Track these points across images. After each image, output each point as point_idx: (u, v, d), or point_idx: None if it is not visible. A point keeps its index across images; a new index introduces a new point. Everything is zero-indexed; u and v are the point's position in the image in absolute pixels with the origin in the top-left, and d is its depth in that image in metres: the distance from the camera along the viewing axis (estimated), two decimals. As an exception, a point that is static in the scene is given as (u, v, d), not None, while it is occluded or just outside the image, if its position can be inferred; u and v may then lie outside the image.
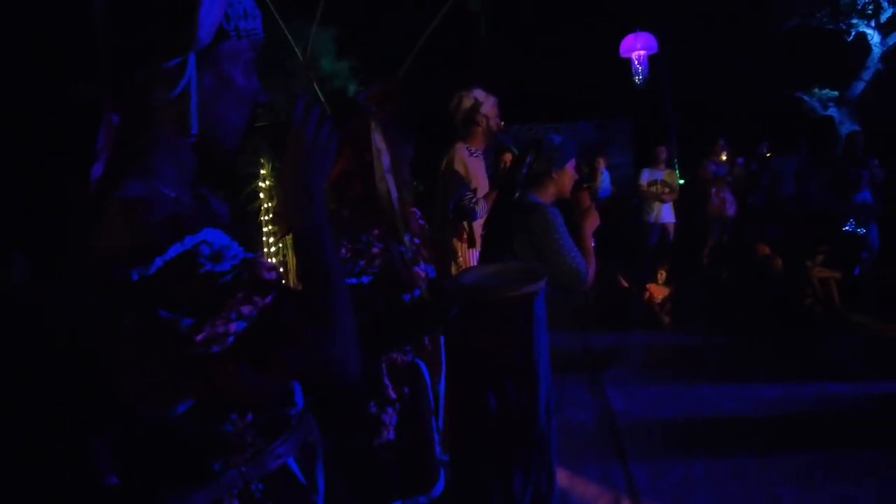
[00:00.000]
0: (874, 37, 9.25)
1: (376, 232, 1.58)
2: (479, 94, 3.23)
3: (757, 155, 8.48)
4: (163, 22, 0.83)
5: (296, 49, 7.17)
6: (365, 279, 1.56)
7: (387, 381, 1.65)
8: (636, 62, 9.19)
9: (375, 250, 1.57)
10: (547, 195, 2.36)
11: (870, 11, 9.06)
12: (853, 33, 9.34)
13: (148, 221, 0.78)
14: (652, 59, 9.40)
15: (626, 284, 5.81)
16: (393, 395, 1.65)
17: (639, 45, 9.00)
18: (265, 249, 5.91)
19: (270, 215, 5.90)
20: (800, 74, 9.93)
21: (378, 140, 1.56)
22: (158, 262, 0.75)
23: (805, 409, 3.66)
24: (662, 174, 7.04)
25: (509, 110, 12.53)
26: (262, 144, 6.11)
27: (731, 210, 7.37)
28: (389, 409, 1.64)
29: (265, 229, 6.01)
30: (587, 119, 12.15)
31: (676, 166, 11.56)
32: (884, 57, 9.29)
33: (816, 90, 9.99)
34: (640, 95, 9.83)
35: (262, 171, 6.18)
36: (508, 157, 4.56)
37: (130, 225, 0.78)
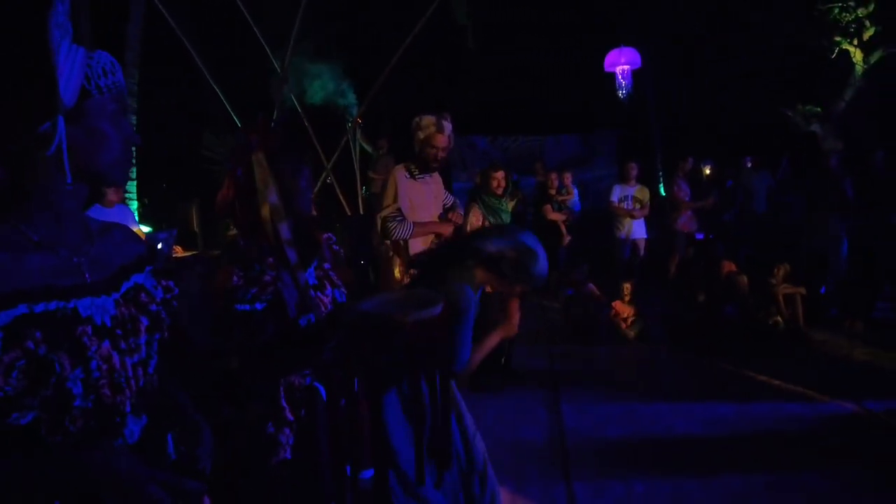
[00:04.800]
0: (856, 54, 9.33)
1: (270, 260, 1.62)
2: (425, 119, 3.27)
3: (737, 170, 8.53)
4: (27, 95, 0.96)
5: (274, 63, 7.29)
6: (258, 305, 1.60)
7: (284, 403, 1.68)
8: (620, 76, 9.28)
9: (267, 278, 1.60)
10: (475, 281, 2.17)
11: (852, 30, 9.15)
12: (836, 50, 9.43)
13: None
14: (636, 74, 9.50)
15: (597, 293, 5.83)
16: (290, 416, 1.68)
17: (623, 60, 9.09)
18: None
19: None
20: (784, 90, 10.02)
21: (260, 172, 1.59)
22: None
23: (755, 429, 3.69)
24: (633, 190, 7.08)
25: (495, 122, 12.69)
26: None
27: (692, 226, 7.41)
28: (286, 430, 1.68)
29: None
30: (572, 132, 12.22)
31: (661, 180, 11.65)
32: (865, 74, 9.37)
33: (800, 106, 10.08)
34: (624, 109, 9.92)
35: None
36: (501, 174, 4.55)
37: None
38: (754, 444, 3.51)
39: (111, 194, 5.16)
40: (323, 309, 1.72)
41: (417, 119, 3.34)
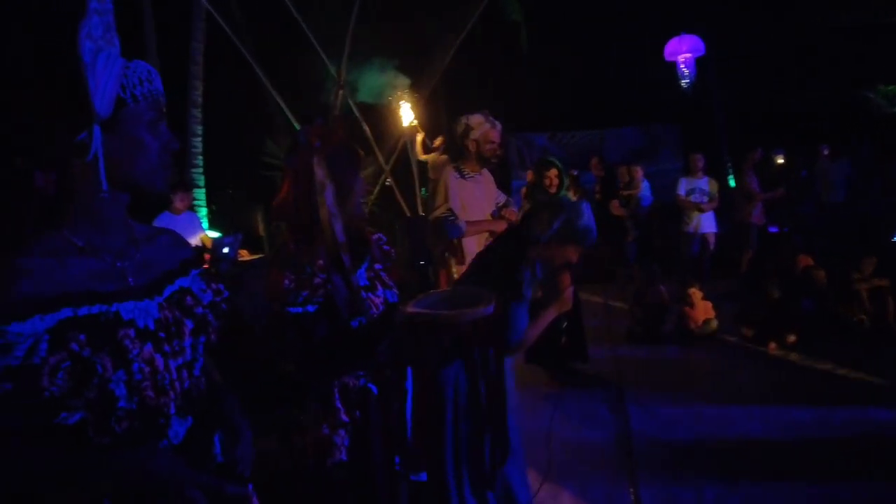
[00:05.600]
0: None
1: (320, 262, 1.62)
2: (474, 119, 3.29)
3: (812, 159, 8.05)
4: (62, 106, 0.98)
5: (330, 68, 7.44)
6: (310, 308, 1.61)
7: (338, 405, 1.69)
8: (682, 65, 8.94)
9: (318, 280, 1.61)
10: (532, 253, 2.20)
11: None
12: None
13: None
14: (700, 62, 9.12)
15: (666, 297, 5.64)
16: (345, 417, 1.68)
17: (684, 48, 8.75)
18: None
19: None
20: (863, 71, 9.41)
21: (320, 174, 1.60)
22: None
23: (837, 437, 3.44)
24: (701, 182, 6.80)
25: (553, 118, 12.47)
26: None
27: (764, 218, 7.04)
28: (341, 431, 1.68)
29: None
30: (633, 124, 11.87)
31: (730, 171, 11.14)
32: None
33: (881, 87, 9.44)
34: (688, 99, 9.55)
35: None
36: (554, 172, 4.47)
37: None
38: (836, 451, 3.27)
39: (178, 201, 5.38)
40: (374, 310, 1.72)
41: (464, 120, 3.36)
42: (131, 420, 1.01)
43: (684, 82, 8.88)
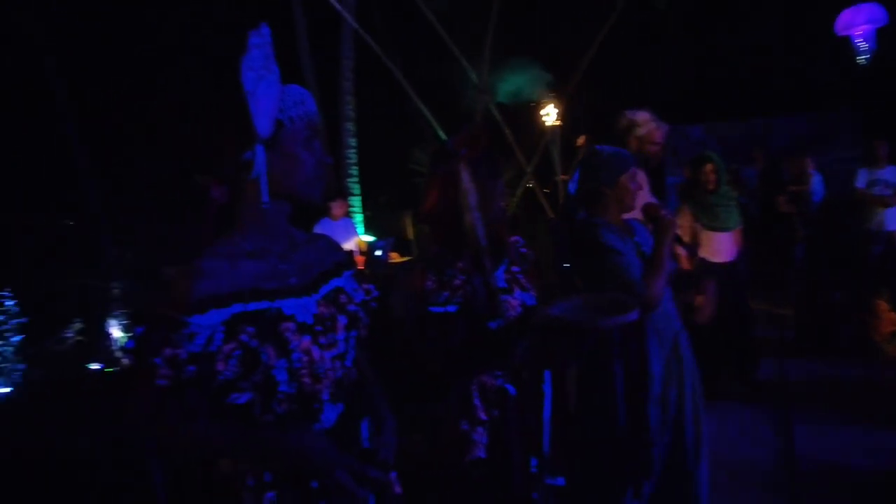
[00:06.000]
0: None
1: (460, 265, 1.69)
2: (640, 115, 3.12)
3: None
4: (230, 130, 1.15)
5: (470, 73, 7.61)
6: (451, 308, 1.68)
7: (477, 402, 1.73)
8: (859, 40, 7.87)
9: (457, 282, 1.68)
10: (609, 213, 2.22)
11: None
12: None
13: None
14: (882, 33, 7.97)
15: (840, 305, 5.04)
16: (483, 416, 1.72)
17: (861, 19, 7.69)
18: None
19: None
20: None
21: (466, 180, 1.67)
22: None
23: None
24: (884, 173, 5.95)
25: (709, 108, 11.54)
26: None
27: None
28: (480, 429, 1.72)
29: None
30: (802, 110, 10.66)
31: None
32: None
33: None
34: (868, 79, 8.40)
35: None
36: (710, 167, 4.18)
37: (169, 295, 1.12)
38: None
39: (336, 209, 5.83)
40: (511, 312, 1.74)
41: (629, 116, 3.19)
42: (290, 403, 1.14)
43: (862, 59, 7.81)
